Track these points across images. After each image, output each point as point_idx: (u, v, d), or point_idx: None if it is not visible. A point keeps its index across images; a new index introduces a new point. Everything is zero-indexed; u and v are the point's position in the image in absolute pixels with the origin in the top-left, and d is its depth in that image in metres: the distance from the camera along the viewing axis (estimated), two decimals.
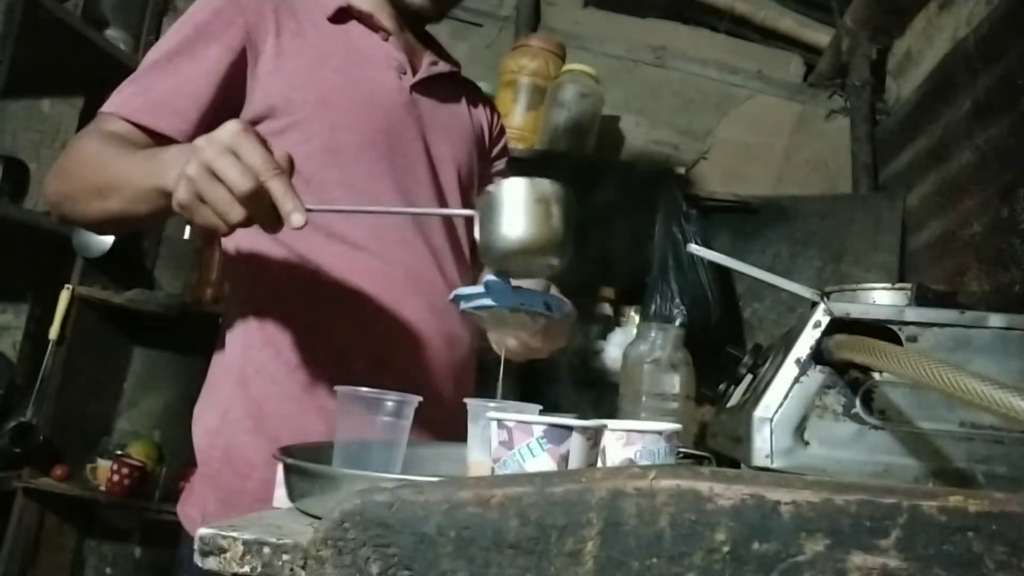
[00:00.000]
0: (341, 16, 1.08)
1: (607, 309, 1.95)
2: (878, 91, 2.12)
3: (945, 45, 1.69)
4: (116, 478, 1.93)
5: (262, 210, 0.70)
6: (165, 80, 0.95)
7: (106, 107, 0.95)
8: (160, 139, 0.92)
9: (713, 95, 2.25)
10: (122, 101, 0.94)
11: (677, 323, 1.72)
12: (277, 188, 0.69)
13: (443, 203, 1.11)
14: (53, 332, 2.01)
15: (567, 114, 1.99)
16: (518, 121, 2.02)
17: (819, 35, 2.21)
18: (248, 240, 1.00)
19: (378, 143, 1.04)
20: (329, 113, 1.01)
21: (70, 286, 2.03)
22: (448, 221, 1.11)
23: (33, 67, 1.94)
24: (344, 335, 0.99)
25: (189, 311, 2.04)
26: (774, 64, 2.27)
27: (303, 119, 1.00)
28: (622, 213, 2.12)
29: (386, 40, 1.10)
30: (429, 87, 1.12)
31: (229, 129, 0.71)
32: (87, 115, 2.32)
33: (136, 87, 0.96)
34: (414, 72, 1.11)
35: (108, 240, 2.00)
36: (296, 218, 0.69)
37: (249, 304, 1.00)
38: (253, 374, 0.98)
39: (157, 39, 2.31)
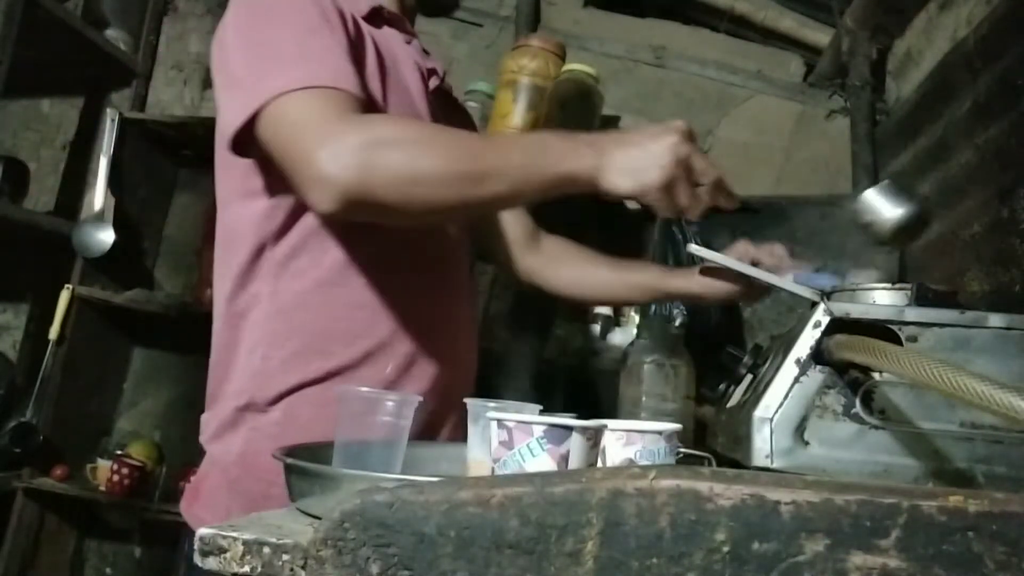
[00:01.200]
0: (375, 18, 1.03)
1: (607, 309, 1.95)
2: (878, 91, 2.11)
3: (945, 45, 1.68)
4: (116, 478, 1.93)
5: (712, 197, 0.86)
6: (336, 53, 0.88)
7: (289, 85, 0.83)
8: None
9: (713, 95, 2.25)
10: (310, 74, 0.84)
11: (677, 323, 1.71)
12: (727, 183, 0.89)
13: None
14: (53, 332, 2.01)
15: (567, 114, 1.99)
16: (518, 121, 2.02)
17: (819, 35, 2.21)
18: (291, 249, 0.97)
19: None
20: None
21: (70, 286, 2.02)
22: (463, 241, 1.11)
23: (33, 67, 1.94)
24: (378, 339, 0.97)
25: (189, 311, 2.04)
26: (774, 64, 2.27)
27: None
28: (622, 213, 2.11)
29: (409, 43, 1.08)
30: (437, 90, 1.11)
31: (684, 129, 0.84)
32: (87, 115, 2.32)
33: (306, 59, 0.86)
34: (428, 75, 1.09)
35: (108, 240, 2.00)
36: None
37: (277, 307, 0.96)
38: (280, 378, 0.95)
39: (157, 39, 2.36)
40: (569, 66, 2.03)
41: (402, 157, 0.79)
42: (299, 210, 0.96)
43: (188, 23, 2.43)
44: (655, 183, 0.81)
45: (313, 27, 0.89)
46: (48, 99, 2.38)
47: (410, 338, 0.99)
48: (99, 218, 2.01)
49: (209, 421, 1.00)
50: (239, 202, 0.98)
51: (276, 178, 0.92)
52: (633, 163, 0.81)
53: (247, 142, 0.87)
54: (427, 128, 0.86)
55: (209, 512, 0.95)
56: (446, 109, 1.14)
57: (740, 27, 2.28)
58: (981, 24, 1.46)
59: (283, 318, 0.96)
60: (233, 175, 0.98)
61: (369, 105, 0.89)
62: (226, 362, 1.00)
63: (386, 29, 1.04)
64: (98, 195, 2.02)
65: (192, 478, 1.04)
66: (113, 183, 2.04)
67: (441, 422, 1.03)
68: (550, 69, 2.03)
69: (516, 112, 2.03)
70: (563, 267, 1.29)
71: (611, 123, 2.20)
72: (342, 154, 0.78)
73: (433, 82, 1.09)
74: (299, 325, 0.96)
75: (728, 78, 2.25)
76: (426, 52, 1.15)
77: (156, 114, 2.25)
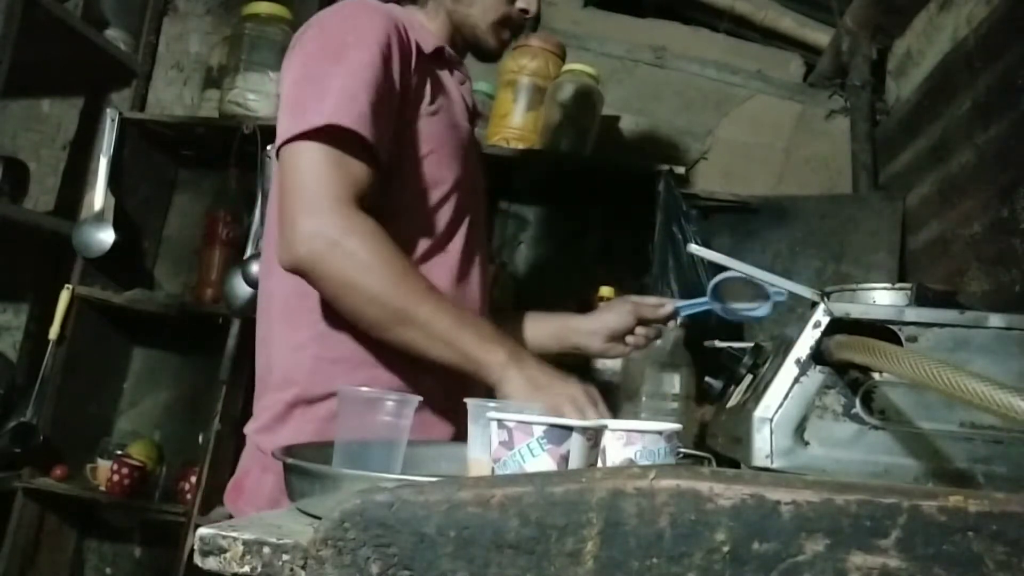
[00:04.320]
0: (438, 58, 1.09)
1: None
2: (878, 91, 2.11)
3: (945, 45, 1.68)
4: (116, 478, 1.93)
5: None
6: (371, 94, 0.95)
7: (334, 118, 0.92)
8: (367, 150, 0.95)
9: (713, 95, 2.25)
10: (348, 112, 0.93)
11: (677, 323, 1.71)
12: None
13: (489, 240, 1.19)
14: (53, 332, 2.00)
15: (567, 114, 1.99)
16: (518, 121, 2.02)
17: (819, 35, 2.21)
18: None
19: (465, 189, 1.11)
20: (445, 163, 1.07)
21: (70, 286, 2.02)
22: (484, 262, 1.18)
23: (33, 67, 1.94)
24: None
25: (189, 311, 2.04)
26: (774, 64, 2.27)
27: (430, 169, 1.06)
28: (622, 213, 2.11)
29: (463, 84, 1.15)
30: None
31: (582, 392, 0.94)
32: (87, 115, 2.32)
33: (355, 98, 0.94)
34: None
35: (108, 240, 2.00)
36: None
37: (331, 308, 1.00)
38: (330, 381, 0.99)
39: (157, 39, 2.36)
40: (569, 66, 2.03)
41: (353, 268, 0.90)
42: None
43: (188, 23, 2.43)
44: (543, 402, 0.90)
45: (367, 68, 0.95)
46: (48, 99, 2.38)
47: None
48: (99, 218, 2.01)
49: (261, 413, 1.04)
50: None
51: None
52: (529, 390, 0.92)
53: None
54: (391, 258, 0.93)
55: (253, 507, 0.97)
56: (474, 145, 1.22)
57: (740, 27, 2.28)
58: (981, 24, 1.46)
59: (334, 320, 1.00)
60: None
61: (382, 150, 0.96)
62: (270, 352, 1.06)
63: (446, 69, 1.12)
64: (98, 195, 2.02)
65: (235, 474, 1.08)
66: (113, 183, 2.04)
67: None
68: (550, 69, 2.03)
69: (516, 112, 2.03)
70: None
71: (611, 123, 2.20)
72: (313, 238, 0.90)
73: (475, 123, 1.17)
74: (349, 329, 1.00)
75: (728, 78, 2.25)
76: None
77: (156, 114, 2.25)
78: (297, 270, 0.92)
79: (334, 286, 0.92)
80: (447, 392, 1.01)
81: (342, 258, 0.90)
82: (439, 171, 1.06)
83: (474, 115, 1.18)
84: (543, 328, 1.28)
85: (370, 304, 0.92)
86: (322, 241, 0.90)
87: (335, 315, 0.99)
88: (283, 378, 1.03)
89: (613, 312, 1.23)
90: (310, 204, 0.91)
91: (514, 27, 1.16)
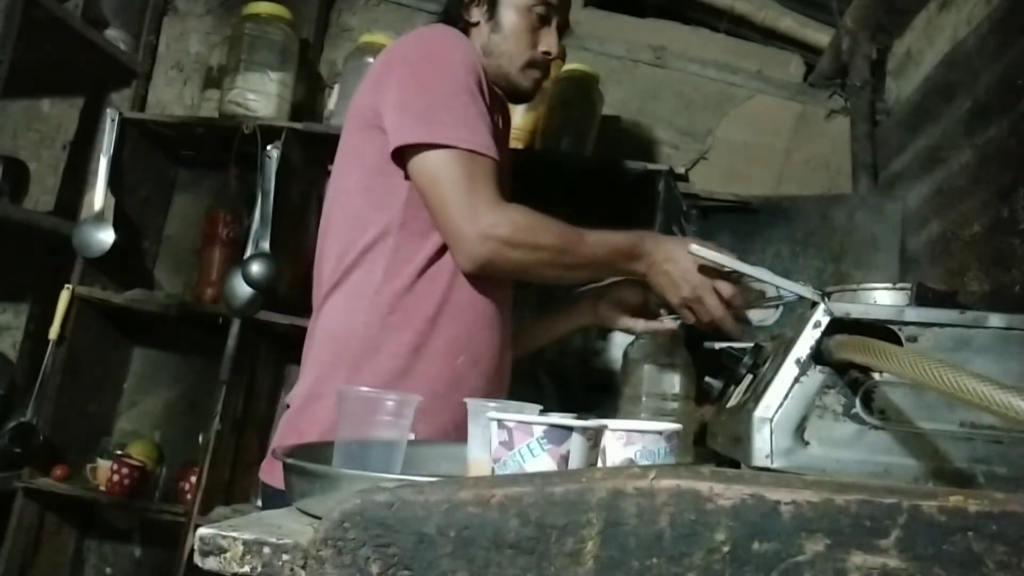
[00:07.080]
0: (492, 93, 1.21)
1: None
2: (878, 91, 2.11)
3: (945, 45, 1.68)
4: (116, 478, 1.93)
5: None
6: (481, 120, 1.11)
7: (457, 142, 1.07)
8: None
9: (713, 95, 2.25)
10: (470, 138, 1.08)
11: (677, 323, 1.71)
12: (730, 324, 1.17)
13: None
14: (53, 332, 2.00)
15: (567, 114, 1.99)
16: (518, 121, 2.02)
17: (819, 35, 2.20)
18: (408, 237, 1.13)
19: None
20: (504, 181, 1.19)
21: (70, 286, 2.02)
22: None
23: (33, 67, 1.94)
24: (457, 331, 1.14)
25: (189, 311, 2.04)
26: (774, 64, 2.27)
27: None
28: (622, 213, 2.11)
29: (504, 118, 1.29)
30: None
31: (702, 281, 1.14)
32: (87, 115, 2.32)
33: (468, 125, 1.09)
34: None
35: (108, 240, 2.00)
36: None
37: (391, 286, 1.11)
38: (374, 355, 1.09)
39: (157, 39, 2.36)
40: (569, 66, 2.03)
41: (527, 257, 1.09)
42: (413, 204, 1.13)
43: (188, 23, 2.43)
44: (675, 301, 1.17)
45: (473, 92, 1.11)
46: (48, 99, 2.38)
47: (481, 334, 1.17)
48: (99, 218, 2.01)
49: (304, 376, 1.14)
50: (363, 193, 1.15)
51: (399, 183, 1.12)
52: (668, 280, 1.16)
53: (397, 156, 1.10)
54: (548, 227, 1.11)
55: None
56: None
57: (740, 27, 2.28)
58: (981, 24, 1.46)
59: (393, 297, 1.11)
60: (363, 167, 1.14)
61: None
62: (317, 322, 1.16)
63: (494, 105, 1.23)
64: (98, 195, 2.02)
65: (270, 448, 1.16)
66: (113, 183, 2.04)
67: None
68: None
69: (516, 112, 2.02)
70: None
71: (611, 123, 2.20)
72: (488, 241, 1.06)
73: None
74: (403, 307, 1.11)
75: (728, 78, 2.25)
76: None
77: (156, 114, 2.25)
78: (484, 270, 1.08)
79: (517, 271, 1.12)
80: (469, 359, 1.14)
81: (519, 250, 1.07)
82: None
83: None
84: (571, 318, 1.42)
85: (547, 272, 1.13)
86: (499, 243, 1.06)
87: (395, 295, 1.10)
88: (329, 335, 1.12)
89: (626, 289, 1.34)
90: (476, 204, 1.05)
91: (541, 68, 1.26)
